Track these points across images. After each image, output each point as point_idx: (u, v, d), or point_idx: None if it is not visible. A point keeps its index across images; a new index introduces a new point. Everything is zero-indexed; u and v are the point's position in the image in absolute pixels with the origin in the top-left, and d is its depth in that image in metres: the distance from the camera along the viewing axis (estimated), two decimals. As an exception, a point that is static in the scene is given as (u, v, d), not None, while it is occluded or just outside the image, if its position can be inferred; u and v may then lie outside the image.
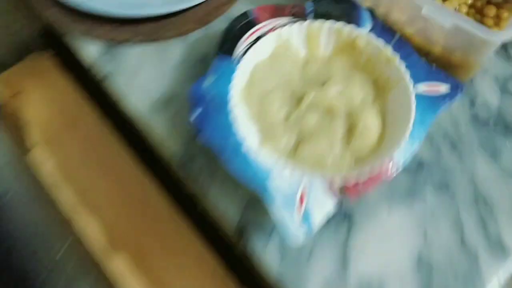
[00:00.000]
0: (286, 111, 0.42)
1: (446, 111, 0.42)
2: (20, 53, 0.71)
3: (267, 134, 0.40)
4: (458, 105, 0.45)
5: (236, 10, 0.50)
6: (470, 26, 0.39)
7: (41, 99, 0.69)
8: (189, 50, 0.48)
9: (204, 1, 0.48)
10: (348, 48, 0.43)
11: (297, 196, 0.37)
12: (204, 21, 0.48)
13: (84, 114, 0.70)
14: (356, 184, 0.37)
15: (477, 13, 0.45)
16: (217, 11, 0.49)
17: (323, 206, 0.37)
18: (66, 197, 0.65)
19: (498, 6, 0.45)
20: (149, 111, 0.45)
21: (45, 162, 0.63)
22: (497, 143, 0.43)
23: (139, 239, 0.66)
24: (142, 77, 0.46)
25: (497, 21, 0.44)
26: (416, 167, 0.42)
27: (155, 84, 0.46)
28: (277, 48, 0.43)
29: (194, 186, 0.43)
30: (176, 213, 0.51)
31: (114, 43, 0.47)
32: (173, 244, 0.66)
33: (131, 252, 0.65)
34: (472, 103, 0.45)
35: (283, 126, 0.41)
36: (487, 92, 0.45)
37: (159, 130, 0.44)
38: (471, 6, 0.46)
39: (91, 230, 0.61)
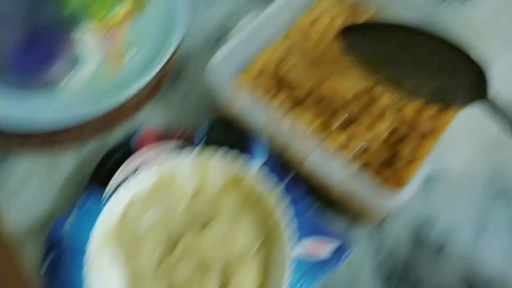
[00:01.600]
0: (159, 257, 0.38)
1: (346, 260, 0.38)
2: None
3: (133, 283, 0.37)
4: (361, 252, 0.40)
5: (140, 119, 0.47)
6: (359, 186, 0.34)
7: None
8: (81, 162, 0.44)
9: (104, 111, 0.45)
10: (239, 182, 0.39)
11: None
12: (101, 132, 0.45)
13: None
14: None
15: (391, 148, 0.41)
16: (116, 121, 0.46)
17: None
18: None
19: (415, 143, 0.41)
20: (24, 234, 0.41)
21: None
22: (398, 304, 0.38)
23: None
24: (26, 194, 0.43)
25: (410, 161, 0.40)
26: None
27: (37, 204, 0.42)
28: (160, 180, 0.39)
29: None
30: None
31: (0, 152, 0.44)
32: None
33: None
34: (378, 251, 0.40)
35: (152, 275, 0.37)
36: (396, 240, 0.41)
37: (31, 257, 0.40)
38: (385, 141, 0.41)
39: None
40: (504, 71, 0.38)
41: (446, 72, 0.36)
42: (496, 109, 0.34)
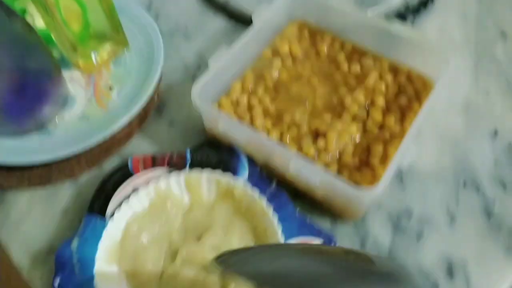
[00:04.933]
0: (161, 267, 0.40)
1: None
2: None
3: (139, 295, 0.39)
4: (348, 245, 0.43)
5: (130, 149, 0.50)
6: (337, 185, 0.38)
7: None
8: (79, 193, 0.47)
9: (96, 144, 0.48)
10: (229, 194, 0.42)
11: None
12: (95, 163, 0.48)
13: None
14: None
15: (364, 151, 0.45)
16: (108, 152, 0.49)
17: None
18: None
19: (386, 143, 0.45)
20: (31, 262, 0.43)
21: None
22: (385, 290, 0.41)
23: None
24: (28, 225, 0.45)
25: (384, 159, 0.44)
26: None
27: (40, 233, 0.45)
28: (156, 199, 0.42)
29: None
30: None
31: (0, 189, 0.47)
32: None
33: None
34: (363, 243, 0.43)
35: (156, 285, 0.39)
36: (379, 231, 0.44)
37: (39, 284, 0.42)
38: (358, 145, 0.45)
39: None
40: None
41: None
42: None
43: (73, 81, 0.54)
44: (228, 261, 0.31)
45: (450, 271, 0.42)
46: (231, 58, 0.47)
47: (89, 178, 0.48)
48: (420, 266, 0.42)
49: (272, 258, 0.30)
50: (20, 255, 0.44)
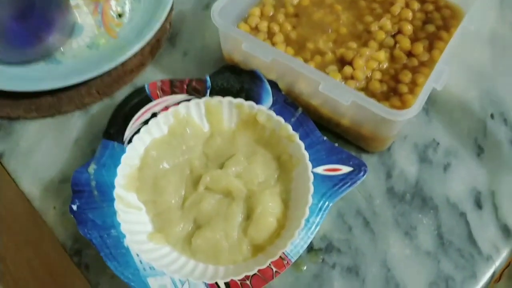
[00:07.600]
0: (183, 194, 0.39)
1: (360, 184, 0.39)
2: None
3: (160, 222, 0.37)
4: (373, 177, 0.42)
5: (143, 79, 0.47)
6: (369, 105, 0.36)
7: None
8: (90, 123, 0.45)
9: (106, 72, 0.45)
10: (251, 122, 0.40)
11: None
12: (106, 92, 0.46)
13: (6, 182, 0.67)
14: (244, 282, 0.34)
15: (392, 79, 0.43)
16: (121, 82, 0.46)
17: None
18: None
19: (414, 70, 0.43)
20: (42, 192, 0.41)
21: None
22: (413, 219, 0.40)
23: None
24: (38, 155, 0.43)
25: (412, 87, 0.42)
26: (325, 249, 0.39)
27: (51, 163, 0.43)
28: (176, 125, 0.40)
29: (86, 274, 0.39)
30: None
31: (8, 119, 0.44)
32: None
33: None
34: (389, 174, 0.42)
35: (178, 212, 0.38)
36: (405, 162, 0.43)
37: (52, 213, 0.41)
38: (385, 73, 0.43)
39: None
40: None
41: None
42: None
43: (79, 8, 0.51)
44: None
45: (478, 202, 0.41)
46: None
47: (101, 108, 0.46)
48: (447, 197, 0.41)
49: None
50: (31, 185, 0.42)
